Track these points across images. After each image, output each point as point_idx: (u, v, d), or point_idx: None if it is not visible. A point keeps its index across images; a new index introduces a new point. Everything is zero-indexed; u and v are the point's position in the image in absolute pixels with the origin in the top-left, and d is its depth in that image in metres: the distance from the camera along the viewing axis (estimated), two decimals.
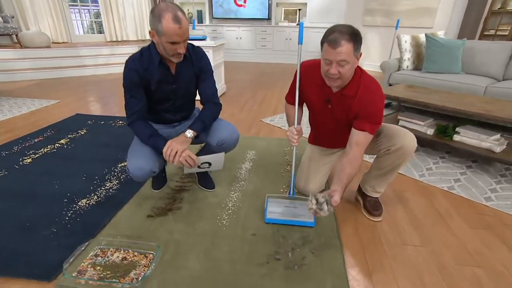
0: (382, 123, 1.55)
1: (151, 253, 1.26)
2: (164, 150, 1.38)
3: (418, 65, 3.36)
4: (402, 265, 1.28)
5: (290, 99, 1.58)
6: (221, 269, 1.18)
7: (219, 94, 3.72)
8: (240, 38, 6.64)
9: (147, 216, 1.51)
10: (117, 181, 1.83)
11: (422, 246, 1.39)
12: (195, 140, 1.55)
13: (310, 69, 1.44)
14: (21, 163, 2.05)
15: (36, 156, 2.15)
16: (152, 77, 1.45)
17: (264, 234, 1.41)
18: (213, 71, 1.60)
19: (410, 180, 1.93)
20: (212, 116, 1.57)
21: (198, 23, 6.74)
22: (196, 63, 1.53)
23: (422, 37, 3.33)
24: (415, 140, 1.43)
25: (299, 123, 1.53)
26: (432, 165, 2.11)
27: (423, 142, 2.19)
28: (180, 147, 1.39)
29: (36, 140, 2.39)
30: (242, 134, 2.56)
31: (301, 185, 1.69)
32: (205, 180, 1.80)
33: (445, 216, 1.59)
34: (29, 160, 2.09)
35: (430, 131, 2.29)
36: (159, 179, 1.79)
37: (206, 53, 3.44)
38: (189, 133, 1.45)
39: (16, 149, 2.25)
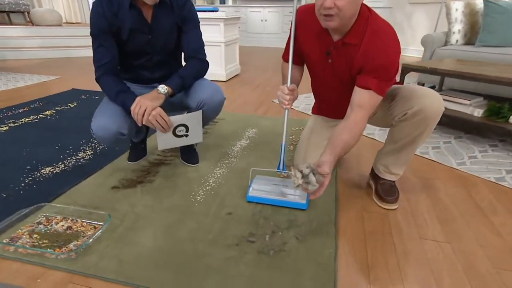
0: (398, 86, 1.33)
1: (101, 224, 1.15)
2: (132, 107, 1.27)
3: (471, 38, 3.00)
4: (414, 262, 1.06)
5: (286, 56, 1.41)
6: (177, 249, 1.06)
7: (231, 75, 3.67)
8: (265, 20, 6.51)
9: (112, 187, 1.43)
10: (92, 152, 1.79)
11: (447, 242, 1.16)
12: (175, 107, 1.43)
13: (307, 15, 1.26)
14: None
15: (15, 125, 2.17)
16: (122, 23, 1.34)
17: (242, 214, 1.26)
18: (199, 22, 1.47)
19: (444, 167, 1.68)
20: (194, 73, 1.43)
21: (220, 3, 6.71)
22: (177, 10, 1.41)
23: (479, 4, 2.97)
24: (441, 102, 1.20)
25: (293, 82, 1.35)
26: (477, 153, 1.83)
27: (469, 127, 1.92)
28: (149, 104, 1.26)
29: (20, 111, 2.41)
30: (248, 113, 2.44)
31: (299, 160, 1.51)
32: (188, 154, 1.68)
33: (487, 211, 1.34)
34: (5, 128, 2.11)
35: (478, 112, 2.00)
36: (137, 151, 1.70)
37: (216, 26, 3.38)
38: (163, 89, 1.32)
39: None
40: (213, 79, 3.55)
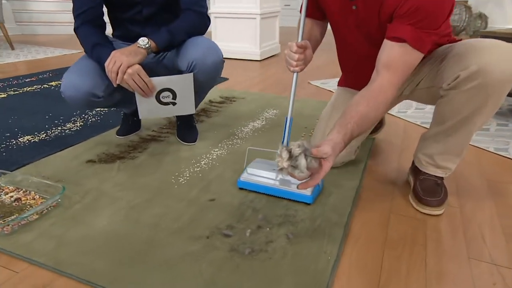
0: (453, 44, 1.08)
1: (54, 198, 1.07)
2: (106, 63, 1.17)
3: None
4: (452, 286, 0.83)
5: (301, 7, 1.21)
6: (133, 235, 0.95)
7: (267, 54, 3.52)
8: None
9: (87, 161, 1.37)
10: (81, 124, 1.76)
11: (511, 268, 0.90)
12: (170, 72, 1.31)
13: None
14: None
15: (15, 93, 2.24)
16: None
17: (226, 202, 1.11)
18: None
19: None
20: (187, 28, 1.30)
21: None
22: None
23: None
24: None
25: (307, 38, 1.16)
26: None
27: None
28: (125, 60, 1.16)
29: (27, 80, 2.49)
30: (277, 94, 2.29)
31: (316, 143, 1.31)
32: (185, 131, 1.56)
33: None
34: (3, 96, 2.20)
35: None
36: (128, 124, 1.63)
37: None
38: (143, 42, 1.21)
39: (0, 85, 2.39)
40: (245, 58, 3.43)
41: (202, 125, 1.75)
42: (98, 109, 1.96)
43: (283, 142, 1.16)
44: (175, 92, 1.28)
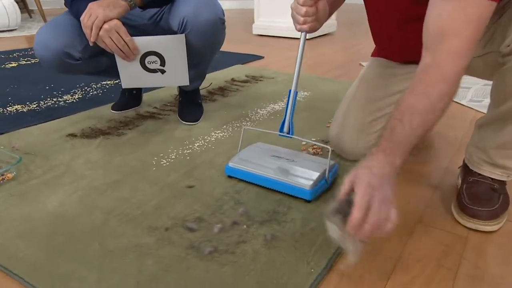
0: None
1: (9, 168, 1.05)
2: (82, 16, 1.12)
3: None
4: None
5: None
6: (80, 220, 0.89)
7: (319, 33, 3.34)
8: None
9: (68, 135, 1.36)
10: (80, 96, 1.78)
11: None
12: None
13: None
14: (2, 66, 2.29)
15: (26, 63, 2.33)
16: None
17: (206, 190, 1.01)
18: None
19: None
20: None
21: None
22: None
23: None
24: None
25: None
26: None
27: None
28: (101, 13, 1.10)
29: None
30: (313, 74, 2.16)
31: (333, 130, 1.17)
32: (187, 108, 1.50)
33: None
34: (13, 65, 2.31)
35: None
36: (124, 98, 1.60)
37: None
38: None
39: (14, 55, 2.56)
40: (291, 36, 3.29)
41: (213, 105, 1.67)
42: (101, 81, 1.96)
43: (284, 121, 1.03)
44: (163, 57, 1.20)
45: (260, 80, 2.05)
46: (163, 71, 1.22)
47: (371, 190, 0.65)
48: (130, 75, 1.21)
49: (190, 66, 1.28)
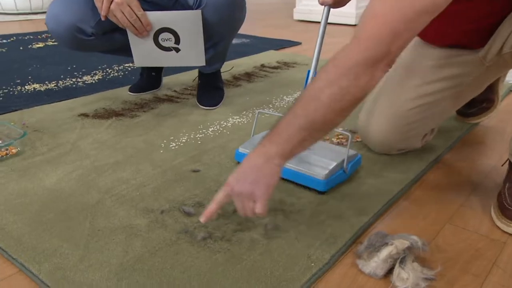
0: None
1: (11, 142, 1.10)
2: None
3: None
4: None
5: None
6: (75, 198, 0.92)
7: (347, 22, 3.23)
8: None
9: (80, 115, 1.40)
10: (99, 78, 1.83)
11: None
12: None
13: None
14: (29, 46, 2.42)
15: (53, 44, 2.47)
16: None
17: (211, 176, 1.02)
18: None
19: None
20: None
21: None
22: None
23: None
24: None
25: None
26: None
27: None
28: None
29: None
30: None
31: (361, 118, 1.13)
32: (206, 92, 1.51)
33: None
34: (40, 45, 2.44)
35: None
36: (143, 79, 1.64)
37: None
38: None
39: (43, 36, 2.71)
40: (336, 22, 3.23)
41: (236, 90, 1.67)
42: (123, 63, 2.01)
43: None
44: (177, 34, 1.20)
45: (292, 67, 2.02)
46: (177, 50, 1.23)
47: (231, 185, 0.72)
48: (142, 52, 1.23)
49: (208, 45, 1.28)
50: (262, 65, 2.04)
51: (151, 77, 1.62)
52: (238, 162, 1.06)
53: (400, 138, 1.08)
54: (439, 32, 1.04)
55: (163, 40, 1.22)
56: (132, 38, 1.21)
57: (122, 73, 1.90)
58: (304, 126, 0.69)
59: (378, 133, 1.08)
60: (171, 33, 1.20)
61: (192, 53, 1.24)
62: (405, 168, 1.05)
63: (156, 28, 1.20)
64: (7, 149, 1.10)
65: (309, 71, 0.99)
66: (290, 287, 0.66)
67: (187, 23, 1.19)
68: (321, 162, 0.96)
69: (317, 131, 0.72)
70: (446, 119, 1.20)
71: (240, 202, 0.73)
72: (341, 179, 0.97)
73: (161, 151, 1.14)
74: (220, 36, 1.31)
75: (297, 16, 3.50)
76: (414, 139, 1.10)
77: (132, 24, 1.16)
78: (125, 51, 1.40)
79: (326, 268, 0.71)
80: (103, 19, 1.16)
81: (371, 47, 0.67)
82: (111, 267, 0.70)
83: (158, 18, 1.18)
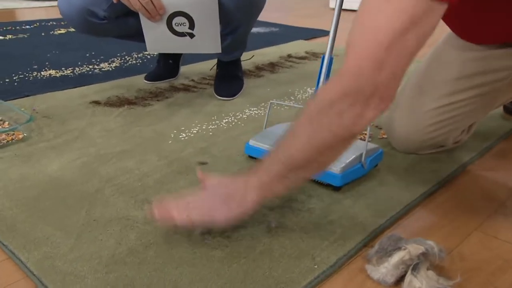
0: None
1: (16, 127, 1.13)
2: None
3: None
4: None
5: None
6: (74, 186, 0.93)
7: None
8: None
9: (91, 102, 1.44)
10: (117, 66, 1.88)
11: None
12: None
13: None
14: (51, 32, 2.52)
15: (73, 31, 2.47)
16: None
17: (218, 169, 1.03)
18: None
19: None
20: None
21: None
22: None
23: None
24: None
25: None
26: None
27: None
28: None
29: None
30: None
31: (385, 114, 1.09)
32: (224, 82, 1.52)
33: None
34: (62, 31, 2.54)
35: None
36: (160, 67, 1.66)
37: None
38: None
39: (65, 22, 2.73)
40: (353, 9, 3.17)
41: (257, 80, 1.67)
42: (143, 51, 2.03)
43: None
44: (192, 19, 1.20)
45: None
46: (192, 35, 1.23)
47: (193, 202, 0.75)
48: (155, 38, 1.24)
49: (225, 32, 1.28)
50: (289, 55, 2.02)
51: (168, 65, 1.64)
52: (248, 156, 1.06)
53: (424, 138, 1.03)
54: (467, 23, 0.98)
55: (176, 24, 1.22)
56: (145, 22, 1.21)
57: (140, 61, 1.93)
58: (284, 161, 0.69)
59: (401, 131, 1.05)
60: (185, 17, 1.20)
61: (208, 40, 1.24)
62: (433, 169, 1.01)
63: (170, 11, 1.20)
64: (13, 134, 1.13)
65: (323, 57, 0.99)
66: None
67: (203, 7, 1.19)
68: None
69: (299, 168, 0.70)
70: (483, 118, 1.15)
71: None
72: (359, 174, 0.94)
73: (170, 142, 1.15)
74: (238, 22, 1.30)
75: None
76: (443, 139, 1.05)
77: (144, 7, 1.16)
78: (139, 36, 1.41)
79: (331, 272, 0.69)
80: (115, 1, 1.17)
81: (352, 81, 0.63)
82: (101, 259, 0.70)
83: (171, 1, 1.19)
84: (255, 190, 0.71)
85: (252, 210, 0.72)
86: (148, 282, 0.65)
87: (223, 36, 1.27)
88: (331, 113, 0.64)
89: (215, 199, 0.73)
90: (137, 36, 1.40)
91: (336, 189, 0.91)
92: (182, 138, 1.17)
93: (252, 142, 1.04)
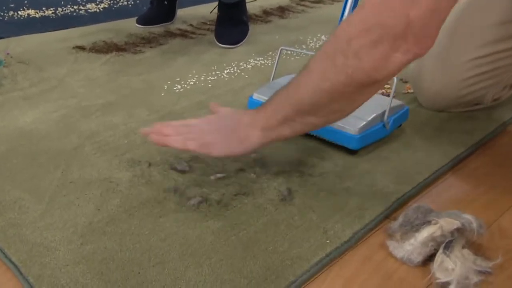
0: None
1: None
2: None
3: None
4: None
5: None
6: (49, 143, 0.90)
7: None
8: None
9: (74, 47, 1.41)
10: (105, 6, 1.84)
11: None
12: None
13: None
14: None
15: None
16: None
17: None
18: None
19: None
20: None
21: None
22: None
23: None
24: None
25: None
26: None
27: None
28: None
29: None
30: None
31: (413, 65, 1.03)
32: (226, 28, 1.48)
33: None
34: None
35: None
36: (152, 9, 1.62)
37: None
38: None
39: None
40: None
41: (264, 26, 1.64)
42: None
43: None
44: None
45: (338, 1, 1.93)
46: None
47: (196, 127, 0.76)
48: None
49: None
50: None
51: (163, 7, 1.60)
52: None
53: (459, 94, 0.99)
54: None
55: None
56: None
57: (132, 2, 1.90)
58: (292, 102, 0.68)
59: (431, 85, 1.00)
60: None
61: None
62: (466, 129, 0.97)
63: None
64: None
65: (346, 2, 0.93)
66: (295, 268, 0.60)
67: None
68: (355, 113, 0.88)
69: (308, 113, 0.68)
70: None
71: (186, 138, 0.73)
72: (380, 135, 0.90)
73: (162, 94, 1.12)
74: None
75: None
76: (481, 96, 1.00)
77: None
78: None
79: (345, 248, 0.65)
80: None
81: (374, 13, 0.57)
82: (77, 228, 0.66)
83: None
84: (260, 130, 0.71)
85: (253, 150, 0.73)
86: (131, 256, 0.61)
87: None
88: (348, 52, 0.59)
89: (218, 131, 0.74)
90: None
91: (353, 152, 0.87)
92: (177, 90, 1.15)
93: (256, 96, 0.99)
